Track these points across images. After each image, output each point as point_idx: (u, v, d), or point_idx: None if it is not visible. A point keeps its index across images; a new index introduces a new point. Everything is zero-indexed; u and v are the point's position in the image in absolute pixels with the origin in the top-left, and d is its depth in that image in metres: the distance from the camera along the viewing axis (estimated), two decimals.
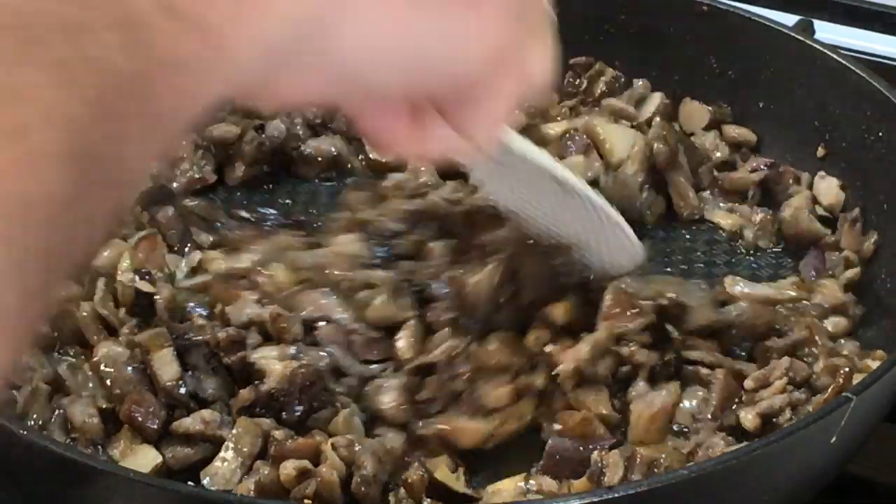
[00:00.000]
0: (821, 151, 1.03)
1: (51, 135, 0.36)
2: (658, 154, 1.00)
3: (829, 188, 1.00)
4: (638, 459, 0.76)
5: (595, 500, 0.66)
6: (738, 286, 0.91)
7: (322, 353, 0.83)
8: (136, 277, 0.88)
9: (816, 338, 0.86)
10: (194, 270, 0.92)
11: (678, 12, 1.09)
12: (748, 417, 0.80)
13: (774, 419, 0.80)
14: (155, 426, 0.79)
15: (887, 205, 0.96)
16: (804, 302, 0.91)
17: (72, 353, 0.86)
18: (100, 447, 0.79)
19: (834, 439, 0.72)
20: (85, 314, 0.86)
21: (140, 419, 0.79)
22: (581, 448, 0.79)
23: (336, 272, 0.88)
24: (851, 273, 0.94)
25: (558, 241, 0.87)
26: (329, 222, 0.94)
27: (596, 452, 0.77)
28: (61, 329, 0.86)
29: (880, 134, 0.96)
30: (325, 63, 0.50)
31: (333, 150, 1.05)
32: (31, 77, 0.36)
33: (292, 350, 0.83)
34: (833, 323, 0.90)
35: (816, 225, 0.98)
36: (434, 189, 0.95)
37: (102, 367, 0.82)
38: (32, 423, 0.80)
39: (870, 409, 0.75)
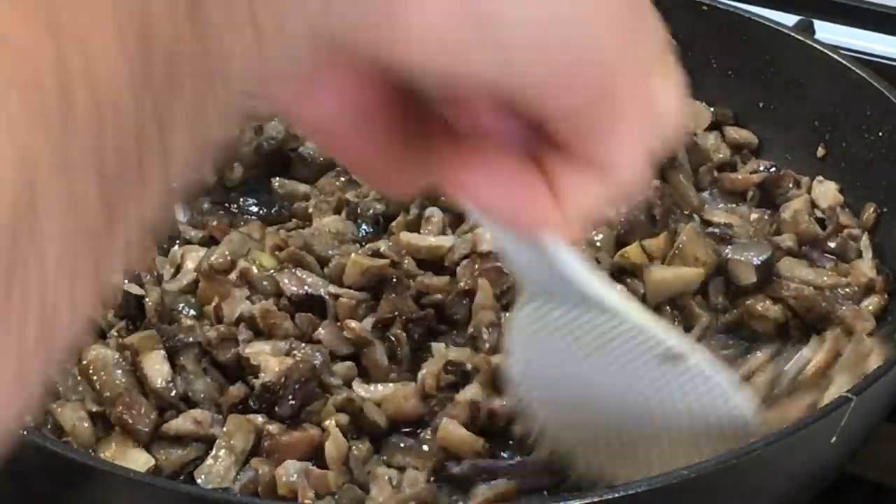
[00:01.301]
0: (821, 151, 1.03)
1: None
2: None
3: (827, 191, 1.00)
4: None
5: (595, 500, 0.66)
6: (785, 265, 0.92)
7: (316, 350, 0.83)
8: (125, 280, 0.87)
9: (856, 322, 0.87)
10: (177, 267, 0.92)
11: (678, 12, 1.08)
12: None
13: None
14: (147, 429, 0.79)
15: (887, 205, 0.96)
16: (846, 289, 0.92)
17: None
18: (91, 451, 0.79)
19: (834, 439, 0.72)
20: None
21: (131, 422, 0.79)
22: None
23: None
24: None
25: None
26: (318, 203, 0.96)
27: None
28: None
29: (880, 134, 0.96)
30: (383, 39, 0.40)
31: None
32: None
33: (284, 345, 0.83)
34: (869, 303, 0.91)
35: (815, 227, 0.98)
36: None
37: (91, 371, 0.81)
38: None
39: (870, 409, 0.74)
